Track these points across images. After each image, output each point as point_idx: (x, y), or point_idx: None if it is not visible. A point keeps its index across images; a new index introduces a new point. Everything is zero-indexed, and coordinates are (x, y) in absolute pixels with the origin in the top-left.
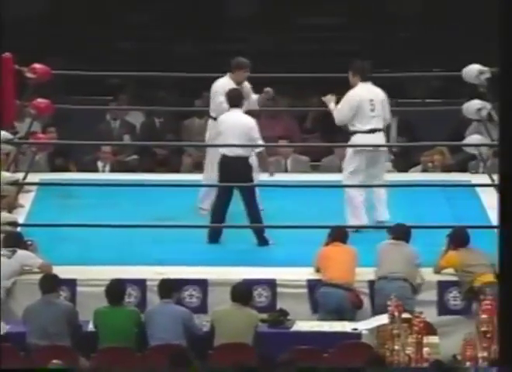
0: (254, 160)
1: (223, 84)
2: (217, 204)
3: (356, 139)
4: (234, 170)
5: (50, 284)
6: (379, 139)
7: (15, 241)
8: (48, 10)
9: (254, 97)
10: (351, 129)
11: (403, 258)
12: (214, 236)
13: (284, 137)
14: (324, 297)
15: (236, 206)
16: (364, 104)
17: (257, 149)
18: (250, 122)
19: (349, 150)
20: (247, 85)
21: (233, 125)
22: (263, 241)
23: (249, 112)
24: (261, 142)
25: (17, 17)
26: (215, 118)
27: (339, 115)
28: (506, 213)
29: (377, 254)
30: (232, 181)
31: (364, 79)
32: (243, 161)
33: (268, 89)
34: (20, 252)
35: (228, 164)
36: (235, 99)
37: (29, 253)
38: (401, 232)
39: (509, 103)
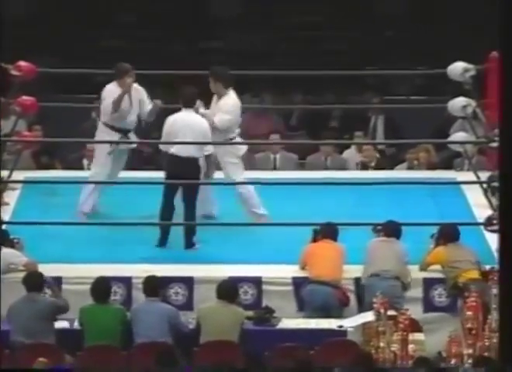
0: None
1: (111, 91)
2: (164, 205)
3: None
4: (183, 171)
5: (35, 281)
6: None
7: (1, 239)
8: (37, 9)
9: (148, 107)
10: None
11: (394, 255)
12: (164, 238)
13: (275, 132)
14: (311, 294)
15: (224, 204)
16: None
17: (208, 152)
18: (205, 122)
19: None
20: (141, 91)
21: (188, 125)
22: (190, 244)
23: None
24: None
25: (5, 16)
26: (106, 124)
27: (227, 123)
28: (506, 212)
29: (367, 251)
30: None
31: (228, 86)
32: (194, 162)
33: (157, 101)
34: (5, 250)
35: (177, 164)
36: (188, 99)
37: (15, 251)
38: (392, 230)
39: (509, 102)
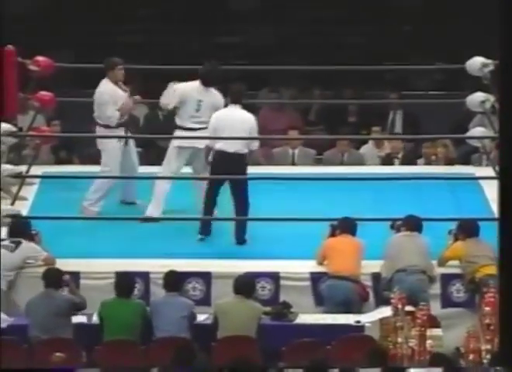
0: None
1: (107, 90)
2: (208, 198)
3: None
4: (230, 166)
5: (53, 277)
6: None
7: (22, 232)
8: (55, 4)
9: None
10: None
11: (419, 250)
12: (207, 228)
13: (293, 128)
14: (331, 289)
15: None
16: (189, 101)
17: (255, 147)
18: (252, 117)
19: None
20: (122, 86)
21: (236, 120)
22: (242, 240)
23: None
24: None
25: (22, 11)
26: (106, 126)
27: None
28: (505, 206)
29: (389, 247)
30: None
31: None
32: (242, 158)
33: (136, 97)
34: (25, 244)
35: (225, 161)
36: (236, 96)
37: (34, 245)
38: (414, 224)
39: (509, 98)
